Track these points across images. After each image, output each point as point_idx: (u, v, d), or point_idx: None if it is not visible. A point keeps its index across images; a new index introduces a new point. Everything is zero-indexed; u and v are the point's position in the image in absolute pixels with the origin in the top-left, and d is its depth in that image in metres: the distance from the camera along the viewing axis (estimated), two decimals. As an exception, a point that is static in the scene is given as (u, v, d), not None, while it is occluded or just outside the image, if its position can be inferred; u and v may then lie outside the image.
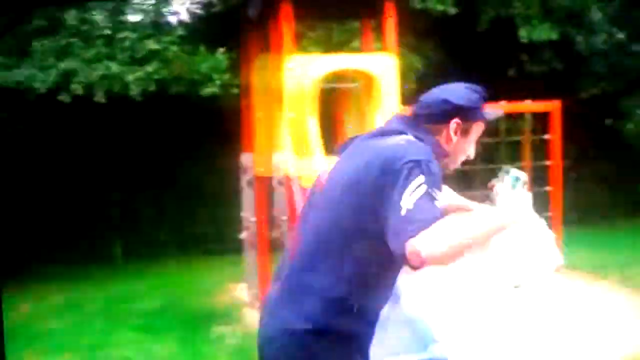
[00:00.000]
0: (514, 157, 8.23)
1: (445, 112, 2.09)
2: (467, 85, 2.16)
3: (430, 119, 2.10)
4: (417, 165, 1.83)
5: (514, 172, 2.15)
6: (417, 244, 1.70)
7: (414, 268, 1.74)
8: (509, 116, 9.31)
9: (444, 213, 1.81)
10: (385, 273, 2.01)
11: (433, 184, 1.81)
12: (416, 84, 9.07)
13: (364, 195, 1.90)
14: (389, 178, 1.84)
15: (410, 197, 1.77)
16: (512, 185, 2.11)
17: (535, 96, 8.24)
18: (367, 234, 1.89)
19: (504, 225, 1.92)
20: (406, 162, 1.84)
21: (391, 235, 1.78)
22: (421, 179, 1.80)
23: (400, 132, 2.03)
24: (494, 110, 2.23)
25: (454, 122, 2.09)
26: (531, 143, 8.43)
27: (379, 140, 2.02)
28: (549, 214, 8.14)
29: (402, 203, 1.77)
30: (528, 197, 2.10)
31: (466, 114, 2.10)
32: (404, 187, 1.79)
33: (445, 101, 2.09)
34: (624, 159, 12.15)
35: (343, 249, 1.93)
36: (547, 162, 8.02)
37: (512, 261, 2.01)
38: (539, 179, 8.58)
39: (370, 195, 1.88)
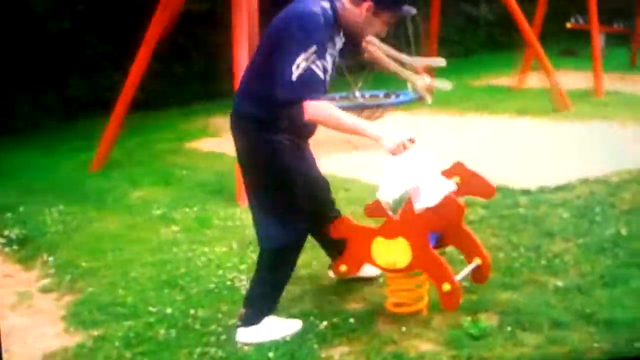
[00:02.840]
0: None
1: None
2: None
3: None
4: (303, 37, 2.63)
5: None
6: (307, 106, 2.67)
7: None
8: None
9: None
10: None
11: (318, 53, 2.64)
12: None
13: (271, 45, 2.79)
14: (282, 40, 2.68)
15: (295, 65, 2.61)
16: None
17: None
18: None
19: (366, 134, 2.72)
20: (295, 30, 2.65)
21: (279, 87, 2.70)
22: (306, 49, 2.60)
23: None
24: (408, 8, 2.90)
25: (367, 3, 2.78)
26: None
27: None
28: None
29: (289, 68, 2.62)
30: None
31: (381, 2, 2.80)
32: (290, 53, 2.63)
33: None
34: None
35: (263, 79, 2.81)
36: None
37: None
38: None
39: (274, 46, 2.75)
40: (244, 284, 3.78)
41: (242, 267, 4.02)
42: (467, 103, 9.94)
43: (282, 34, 2.72)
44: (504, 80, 12.03)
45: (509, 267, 3.79)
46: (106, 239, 4.70)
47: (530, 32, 9.12)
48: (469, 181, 3.20)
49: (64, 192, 6.01)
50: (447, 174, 3.30)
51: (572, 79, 10.56)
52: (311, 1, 2.78)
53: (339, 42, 2.94)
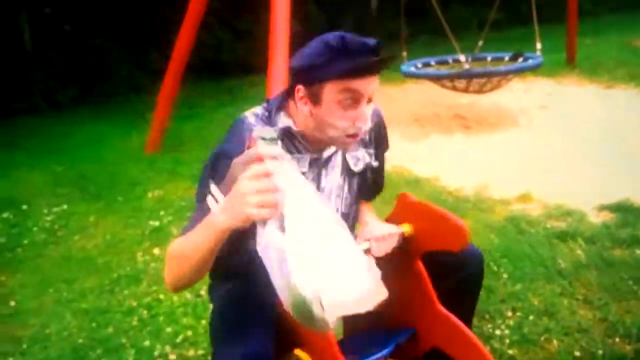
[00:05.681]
0: None
1: (291, 80, 1.67)
2: (325, 37, 1.59)
3: (288, 89, 1.70)
4: (206, 167, 1.67)
5: (263, 131, 1.39)
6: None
7: None
8: None
9: None
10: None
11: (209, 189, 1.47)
12: None
13: None
14: None
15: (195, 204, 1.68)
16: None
17: None
18: None
19: (218, 231, 1.37)
20: (207, 160, 1.69)
21: None
22: (200, 187, 1.64)
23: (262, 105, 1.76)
24: (359, 62, 1.55)
25: (297, 90, 1.64)
26: None
27: None
28: None
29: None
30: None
31: (307, 76, 1.60)
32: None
33: (290, 67, 1.66)
34: None
35: None
36: None
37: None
38: None
39: None
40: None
41: (191, 332, 2.79)
42: (621, 69, 7.80)
43: None
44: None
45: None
46: (71, 262, 3.71)
47: None
48: (425, 225, 1.72)
49: (90, 182, 5.12)
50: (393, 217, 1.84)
51: None
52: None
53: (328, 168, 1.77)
